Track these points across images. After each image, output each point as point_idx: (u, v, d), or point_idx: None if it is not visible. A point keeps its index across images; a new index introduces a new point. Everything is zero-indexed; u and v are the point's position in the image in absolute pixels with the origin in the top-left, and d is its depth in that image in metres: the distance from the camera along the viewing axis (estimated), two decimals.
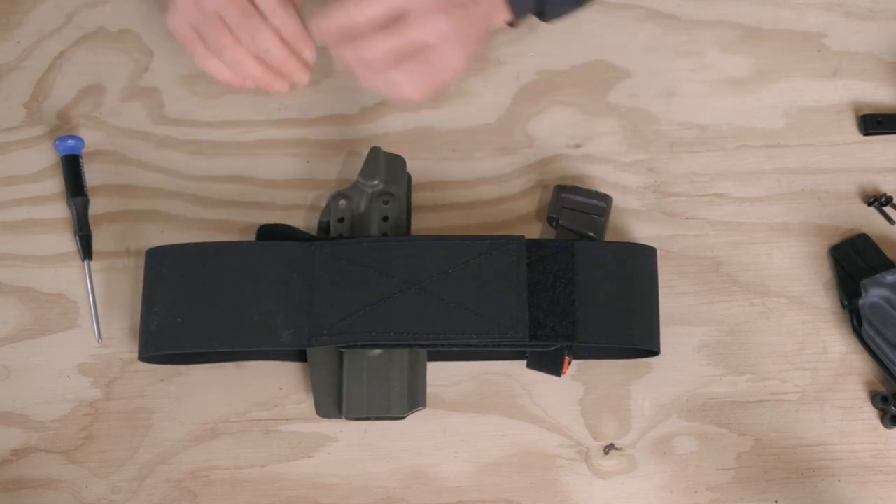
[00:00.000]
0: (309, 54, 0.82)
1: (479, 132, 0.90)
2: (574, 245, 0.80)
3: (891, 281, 0.80)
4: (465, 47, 0.79)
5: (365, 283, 0.78)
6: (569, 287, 0.78)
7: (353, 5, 0.76)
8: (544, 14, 0.85)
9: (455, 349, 0.79)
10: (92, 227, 0.86)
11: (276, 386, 0.81)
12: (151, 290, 0.80)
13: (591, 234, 0.82)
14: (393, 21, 0.76)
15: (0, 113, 0.90)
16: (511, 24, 0.85)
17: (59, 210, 0.87)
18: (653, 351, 0.80)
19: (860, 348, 0.82)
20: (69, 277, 0.85)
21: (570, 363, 0.80)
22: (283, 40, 0.81)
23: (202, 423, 0.81)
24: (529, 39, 0.92)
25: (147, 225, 0.86)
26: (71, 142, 0.87)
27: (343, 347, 0.79)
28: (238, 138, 0.89)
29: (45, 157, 0.89)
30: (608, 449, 0.80)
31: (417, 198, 0.87)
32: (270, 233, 0.83)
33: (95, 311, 0.83)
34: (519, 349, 0.80)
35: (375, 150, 0.84)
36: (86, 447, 0.80)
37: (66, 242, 0.86)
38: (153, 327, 0.79)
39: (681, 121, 0.89)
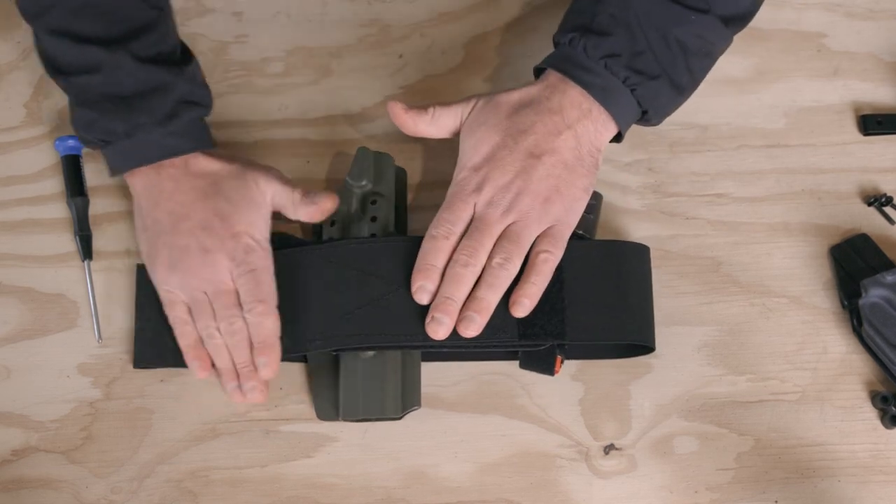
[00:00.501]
0: (264, 367, 0.78)
1: None
2: None
3: (891, 281, 0.80)
4: (570, 190, 0.78)
5: (354, 286, 0.78)
6: (557, 285, 0.78)
7: (465, 257, 0.76)
8: (649, 118, 0.80)
9: (446, 350, 0.79)
10: (92, 227, 0.86)
11: (276, 386, 0.81)
12: (149, 300, 0.81)
13: (581, 231, 0.81)
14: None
15: (0, 113, 0.90)
16: (616, 139, 0.81)
17: (59, 210, 0.87)
18: (649, 348, 0.80)
19: (860, 348, 0.82)
20: (69, 277, 0.85)
21: (562, 362, 0.79)
22: (252, 342, 0.78)
23: (202, 423, 0.81)
24: (529, 39, 0.92)
25: None
26: (71, 142, 0.87)
27: (335, 351, 0.79)
28: (238, 138, 0.89)
29: (45, 157, 0.88)
30: (608, 449, 0.80)
31: (417, 198, 0.87)
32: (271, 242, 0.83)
33: (95, 311, 0.83)
34: (509, 349, 0.80)
35: (363, 151, 0.84)
36: (86, 447, 0.80)
37: (66, 242, 0.86)
38: (148, 337, 0.80)
39: (681, 121, 0.89)
